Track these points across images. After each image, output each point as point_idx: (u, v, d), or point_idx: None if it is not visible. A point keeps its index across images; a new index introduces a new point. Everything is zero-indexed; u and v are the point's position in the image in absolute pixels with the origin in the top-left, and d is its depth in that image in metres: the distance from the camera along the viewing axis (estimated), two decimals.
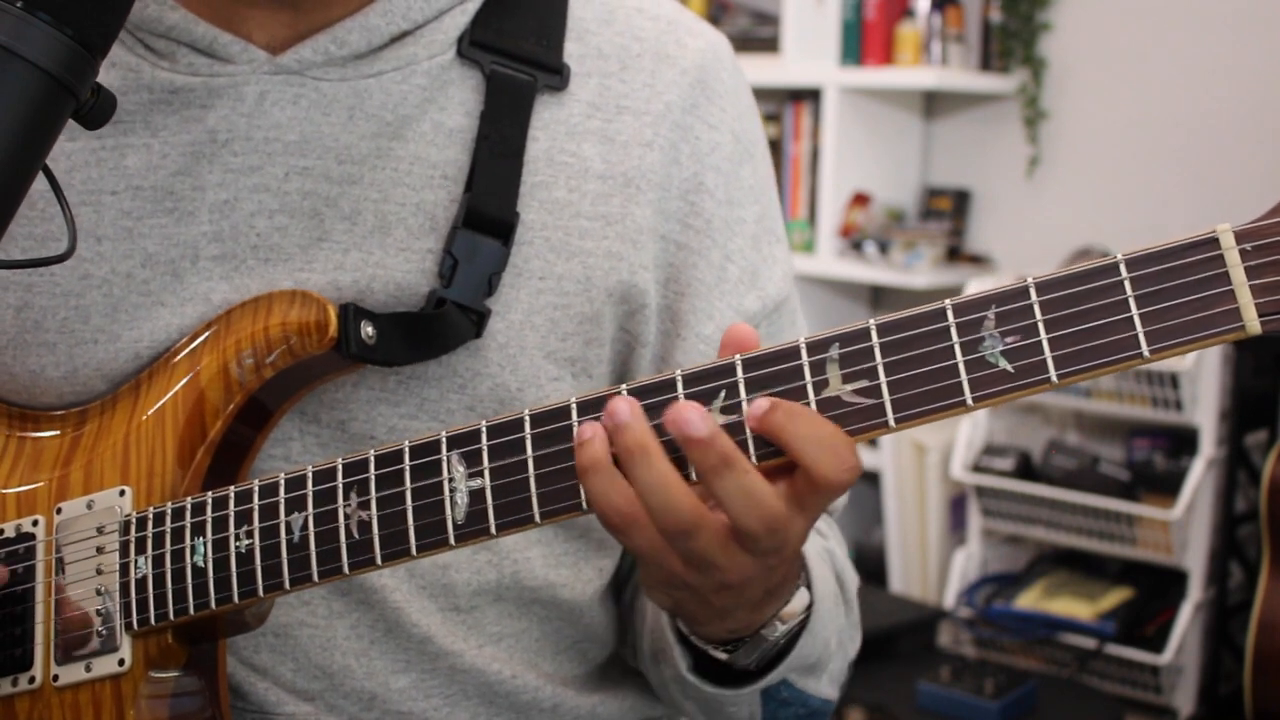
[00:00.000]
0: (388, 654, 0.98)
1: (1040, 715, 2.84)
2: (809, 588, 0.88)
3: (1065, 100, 3.53)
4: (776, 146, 3.77)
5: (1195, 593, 3.10)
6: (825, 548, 1.01)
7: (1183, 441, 3.21)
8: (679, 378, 0.76)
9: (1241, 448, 3.09)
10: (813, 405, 0.75)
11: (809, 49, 3.63)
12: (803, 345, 0.75)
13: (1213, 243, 0.69)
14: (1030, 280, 0.72)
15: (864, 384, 0.74)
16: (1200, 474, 3.05)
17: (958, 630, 3.31)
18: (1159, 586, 3.22)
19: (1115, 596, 3.22)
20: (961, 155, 3.75)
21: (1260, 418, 3.16)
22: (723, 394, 0.75)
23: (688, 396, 0.76)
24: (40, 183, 0.79)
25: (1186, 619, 3.08)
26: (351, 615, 0.97)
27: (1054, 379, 0.71)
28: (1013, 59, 3.55)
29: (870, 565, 3.62)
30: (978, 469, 3.30)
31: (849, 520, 3.74)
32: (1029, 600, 3.24)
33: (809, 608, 0.88)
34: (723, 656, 0.87)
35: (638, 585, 1.08)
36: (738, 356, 0.76)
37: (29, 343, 0.96)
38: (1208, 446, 3.06)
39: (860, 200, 3.65)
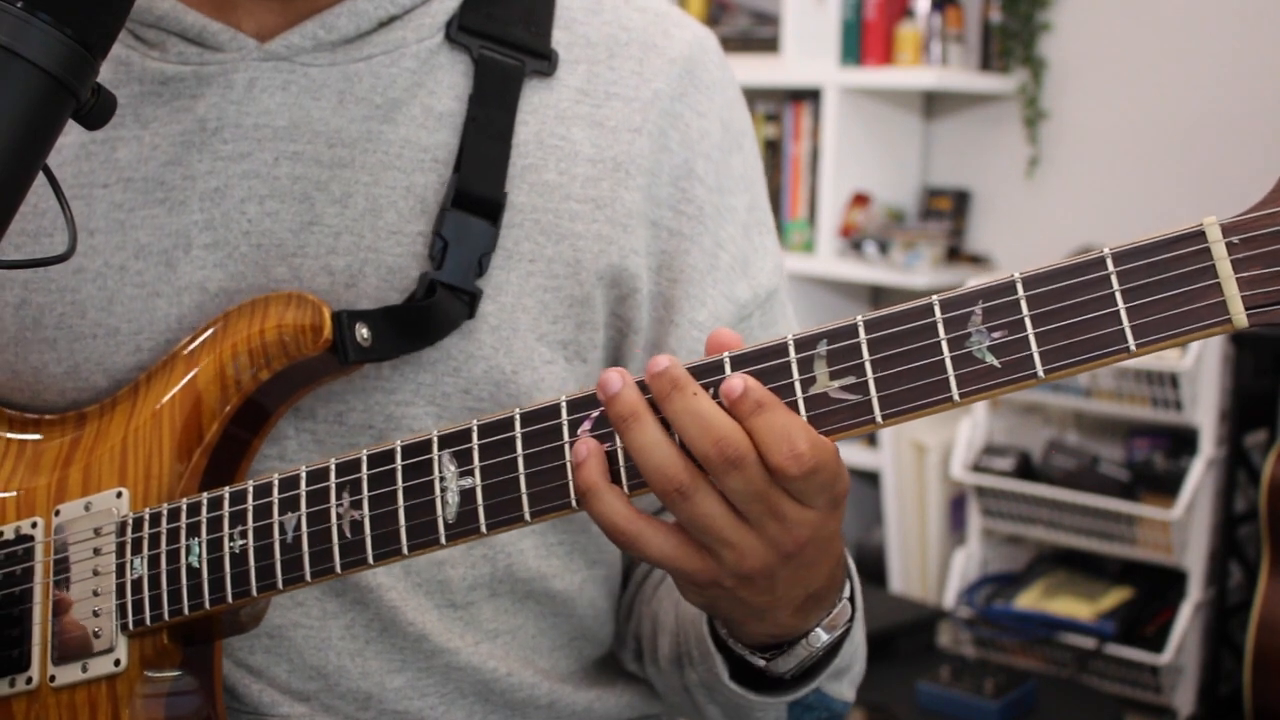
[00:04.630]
0: (383, 653, 0.98)
1: (1040, 715, 2.83)
2: (851, 598, 0.88)
3: (1065, 100, 3.53)
4: (776, 146, 3.77)
5: (1195, 593, 3.10)
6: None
7: (1183, 441, 3.21)
8: None
9: (1241, 448, 3.09)
10: (800, 402, 0.75)
11: (809, 49, 3.63)
12: (790, 342, 0.75)
13: (1199, 236, 0.69)
14: (1017, 276, 0.72)
15: (851, 380, 0.74)
16: (1200, 474, 3.05)
17: (957, 630, 3.31)
18: (1159, 586, 3.22)
19: (1115, 596, 3.21)
20: (961, 155, 3.74)
21: (1260, 418, 3.15)
22: (711, 391, 0.75)
23: None
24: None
25: (1186, 619, 3.07)
26: (346, 615, 0.97)
27: (1040, 374, 0.71)
28: (1013, 59, 3.55)
29: (870, 565, 3.61)
30: (978, 469, 3.30)
31: (849, 520, 3.73)
32: (1029, 600, 3.24)
33: (851, 619, 0.88)
34: (760, 663, 0.87)
35: (639, 585, 1.09)
36: (726, 354, 0.76)
37: (29, 340, 0.96)
38: (1207, 446, 3.06)
39: (860, 200, 3.65)
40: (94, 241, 0.95)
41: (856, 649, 0.95)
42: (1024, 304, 0.71)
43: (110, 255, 0.95)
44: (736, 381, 0.74)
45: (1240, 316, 0.68)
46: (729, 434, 0.74)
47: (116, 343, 0.95)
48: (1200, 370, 3.02)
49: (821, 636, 0.85)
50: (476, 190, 0.94)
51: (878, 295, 3.87)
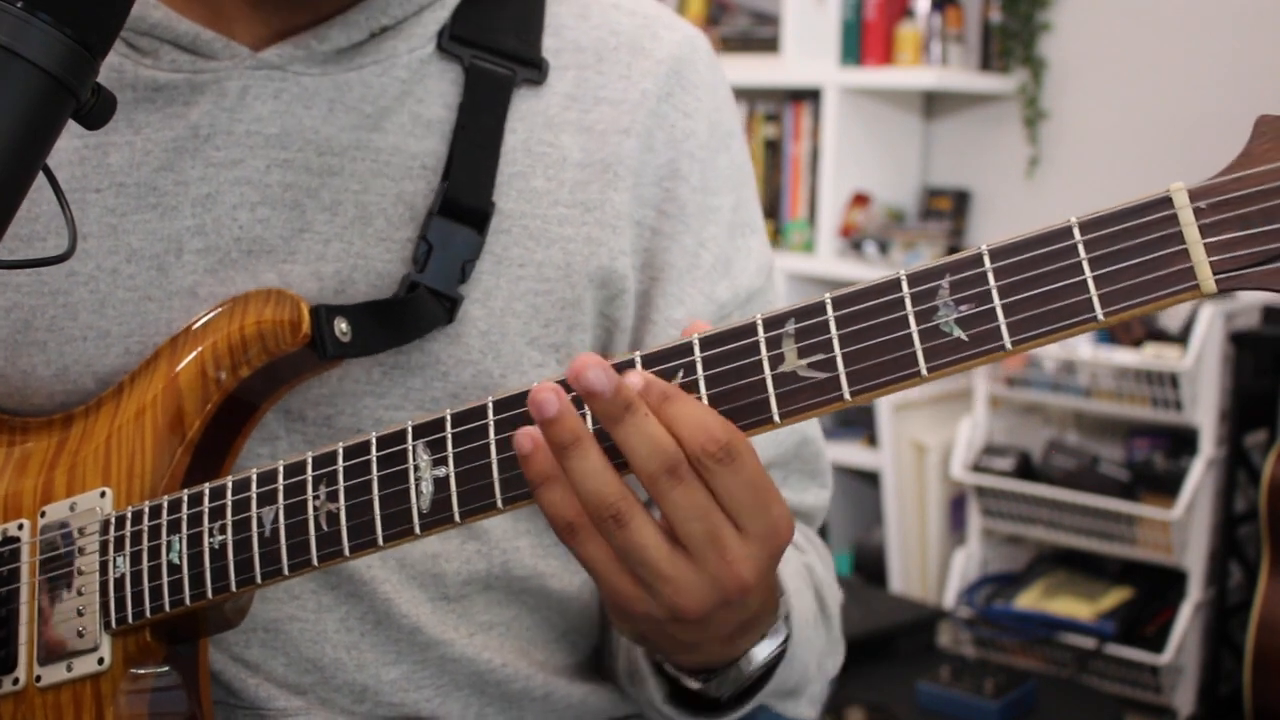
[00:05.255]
0: (378, 646, 0.98)
1: (1040, 715, 2.83)
2: (787, 619, 0.87)
3: (1065, 100, 3.53)
4: (776, 146, 3.78)
5: (1195, 593, 3.09)
6: (804, 563, 1.01)
7: (1183, 441, 3.20)
8: (638, 359, 0.76)
9: (1241, 448, 3.08)
10: (769, 381, 0.74)
11: (809, 49, 3.64)
12: (759, 322, 0.75)
13: (1166, 202, 0.68)
14: (984, 248, 0.71)
15: (819, 358, 0.73)
16: (1200, 474, 3.04)
17: (957, 630, 3.31)
18: (1159, 586, 3.22)
19: (1115, 596, 3.21)
20: (961, 155, 3.75)
21: (1260, 418, 3.15)
22: (680, 373, 0.75)
23: None
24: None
25: (1186, 619, 3.07)
26: (341, 608, 0.97)
27: (1008, 345, 0.70)
28: (1013, 59, 3.55)
29: (870, 565, 3.62)
30: (978, 469, 3.30)
31: (849, 520, 3.73)
32: (1029, 600, 3.24)
33: (785, 640, 0.87)
34: (696, 686, 0.87)
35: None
36: (695, 335, 0.76)
37: (19, 342, 0.96)
38: (1207, 446, 3.06)
39: (860, 200, 3.65)
40: (86, 245, 0.96)
41: (805, 668, 0.94)
42: (991, 275, 0.70)
43: (103, 259, 0.96)
44: (634, 379, 0.73)
45: (1208, 282, 0.67)
46: (676, 456, 0.72)
47: (106, 345, 0.96)
48: (1200, 370, 3.02)
49: (754, 660, 0.84)
50: (464, 199, 0.95)
51: None
